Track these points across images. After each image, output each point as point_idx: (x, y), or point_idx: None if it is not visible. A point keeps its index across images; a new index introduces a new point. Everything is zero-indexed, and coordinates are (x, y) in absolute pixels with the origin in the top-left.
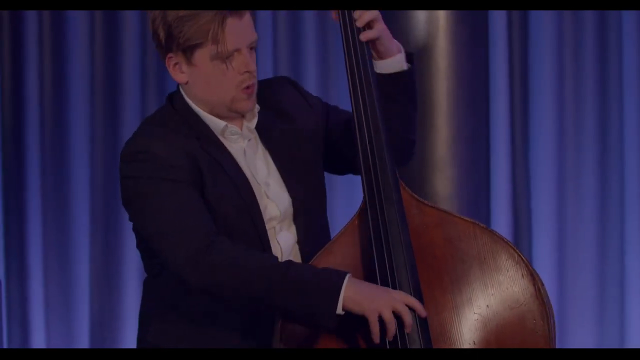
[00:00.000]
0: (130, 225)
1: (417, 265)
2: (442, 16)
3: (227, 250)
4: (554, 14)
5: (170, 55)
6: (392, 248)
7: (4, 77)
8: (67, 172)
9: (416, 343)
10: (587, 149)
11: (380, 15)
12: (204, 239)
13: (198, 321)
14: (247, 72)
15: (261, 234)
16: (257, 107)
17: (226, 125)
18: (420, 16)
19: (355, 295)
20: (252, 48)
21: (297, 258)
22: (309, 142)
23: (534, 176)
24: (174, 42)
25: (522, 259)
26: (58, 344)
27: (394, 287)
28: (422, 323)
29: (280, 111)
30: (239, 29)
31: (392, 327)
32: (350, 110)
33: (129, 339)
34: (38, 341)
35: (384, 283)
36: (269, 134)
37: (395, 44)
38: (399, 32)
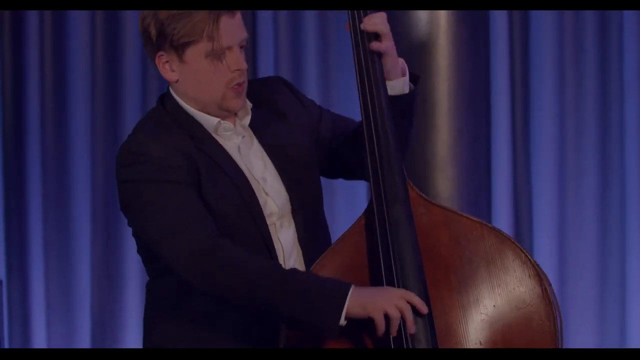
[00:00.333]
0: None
1: (424, 265)
2: (443, 16)
3: (230, 252)
4: (555, 14)
5: (161, 53)
6: (399, 247)
7: (5, 77)
8: (68, 172)
9: (422, 343)
10: (587, 149)
11: (390, 33)
12: (206, 240)
13: (200, 322)
14: (238, 70)
15: (263, 232)
16: (249, 105)
17: (219, 121)
18: (421, 16)
19: (359, 302)
20: (242, 47)
21: (298, 255)
22: (303, 141)
23: (534, 176)
24: (166, 40)
25: (529, 259)
26: (59, 344)
27: (401, 287)
28: (429, 322)
29: (275, 109)
30: (232, 27)
31: (397, 323)
32: (345, 115)
33: (130, 339)
34: (39, 341)
35: (390, 282)
36: (263, 131)
37: (400, 66)
38: (400, 32)
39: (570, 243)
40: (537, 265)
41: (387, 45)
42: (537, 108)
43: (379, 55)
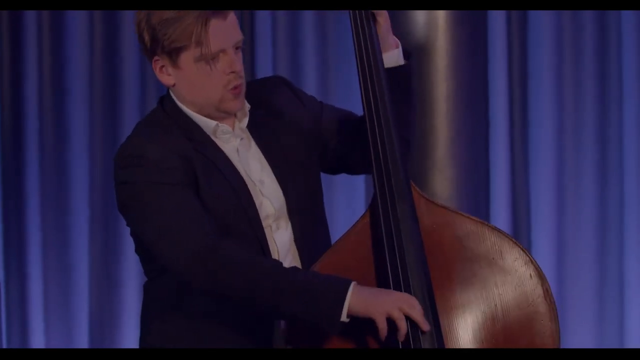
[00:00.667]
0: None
1: None
2: (441, 17)
3: (230, 251)
4: (554, 14)
5: (156, 58)
6: (404, 245)
7: (3, 78)
8: (67, 172)
9: (429, 343)
10: (586, 149)
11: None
12: (205, 240)
13: (198, 322)
14: (233, 72)
15: (258, 233)
16: (247, 106)
17: (217, 124)
18: (420, 17)
19: (361, 300)
20: (238, 48)
21: (294, 256)
22: (303, 140)
23: (533, 176)
24: (158, 45)
25: (530, 259)
26: (57, 344)
27: (406, 285)
28: (435, 322)
29: (273, 110)
30: (223, 29)
31: (403, 325)
32: (346, 109)
33: (129, 339)
34: (37, 341)
35: (396, 281)
36: (262, 132)
37: (393, 39)
38: (399, 32)
39: (568, 243)
40: (538, 265)
41: (383, 18)
42: (535, 108)
43: (380, 50)
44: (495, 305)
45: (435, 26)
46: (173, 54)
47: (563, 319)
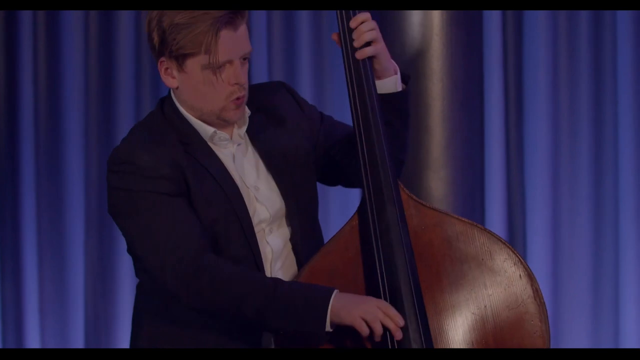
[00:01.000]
0: None
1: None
2: (436, 17)
3: (215, 269)
4: (549, 14)
5: (162, 59)
6: (392, 248)
7: None
8: (62, 173)
9: (417, 344)
10: (581, 150)
11: (380, 36)
12: (191, 258)
13: (189, 322)
14: (237, 84)
15: (249, 239)
16: (248, 112)
17: (215, 131)
18: (415, 18)
19: (341, 309)
20: (246, 59)
21: (289, 259)
22: (302, 145)
23: (528, 177)
24: (166, 48)
25: (520, 260)
26: (53, 344)
27: (395, 287)
28: (423, 323)
29: (273, 115)
30: (233, 40)
31: (378, 328)
32: (346, 123)
33: (124, 340)
34: (33, 342)
35: (384, 283)
36: (260, 137)
37: (392, 65)
38: (394, 34)
39: (564, 243)
40: (528, 266)
41: (377, 48)
42: (530, 109)
43: (371, 62)
44: (485, 306)
45: (431, 26)
46: (180, 59)
47: (558, 319)
